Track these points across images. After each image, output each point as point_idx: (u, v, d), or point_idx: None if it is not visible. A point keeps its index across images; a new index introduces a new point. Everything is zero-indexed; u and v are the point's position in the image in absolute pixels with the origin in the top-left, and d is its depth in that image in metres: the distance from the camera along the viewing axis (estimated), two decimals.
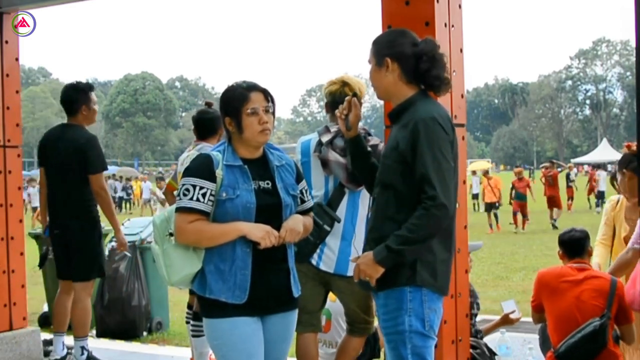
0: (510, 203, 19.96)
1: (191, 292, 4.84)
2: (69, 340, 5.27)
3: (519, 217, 18.88)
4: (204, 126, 4.85)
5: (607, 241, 4.61)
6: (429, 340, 2.82)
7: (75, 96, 5.10)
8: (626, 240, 4.52)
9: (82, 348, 5.08)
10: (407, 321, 2.76)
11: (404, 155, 2.73)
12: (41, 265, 5.58)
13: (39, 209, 6.66)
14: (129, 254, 5.06)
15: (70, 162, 4.93)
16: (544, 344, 4.31)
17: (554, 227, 18.30)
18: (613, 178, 4.60)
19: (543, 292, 4.05)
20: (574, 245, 4.08)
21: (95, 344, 5.94)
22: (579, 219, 19.37)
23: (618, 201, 4.67)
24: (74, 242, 5.00)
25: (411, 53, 2.84)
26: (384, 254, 2.73)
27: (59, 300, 5.18)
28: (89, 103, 5.10)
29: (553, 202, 19.71)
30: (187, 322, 4.94)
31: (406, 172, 2.74)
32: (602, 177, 23.97)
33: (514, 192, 19.53)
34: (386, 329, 2.83)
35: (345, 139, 3.10)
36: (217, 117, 4.84)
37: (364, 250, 2.93)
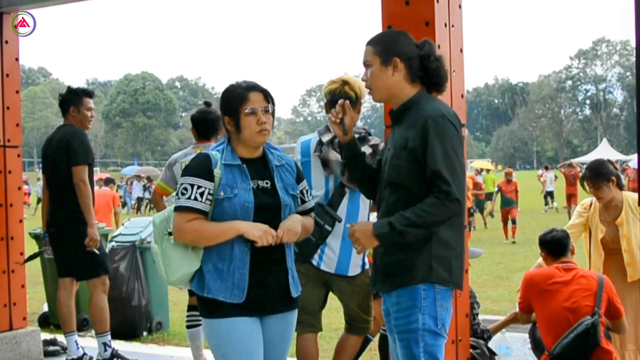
0: (488, 212, 19.35)
1: (191, 294, 4.87)
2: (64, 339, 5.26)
3: (509, 225, 16.47)
4: (208, 126, 4.84)
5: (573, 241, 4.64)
6: (441, 339, 2.81)
7: (66, 97, 5.16)
8: (603, 242, 4.54)
9: (105, 344, 5.09)
10: (421, 319, 2.75)
11: (414, 153, 2.73)
12: (26, 260, 5.55)
13: None
14: (97, 252, 5.08)
15: (58, 160, 4.97)
16: (537, 347, 4.31)
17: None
18: (583, 180, 4.64)
19: (532, 294, 4.06)
20: (558, 246, 4.11)
21: (95, 343, 5.94)
22: None
23: (591, 204, 4.67)
24: (69, 243, 5.03)
25: (416, 54, 2.86)
26: (384, 230, 2.73)
27: (60, 300, 5.17)
28: (78, 106, 5.13)
29: (572, 198, 21.02)
30: (188, 327, 4.95)
31: (418, 171, 2.73)
32: (549, 178, 26.53)
33: (500, 197, 17.34)
34: (398, 326, 2.82)
35: (341, 143, 3.06)
36: (218, 116, 4.85)
37: (376, 256, 2.92)
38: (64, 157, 4.94)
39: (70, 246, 5.02)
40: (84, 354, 5.18)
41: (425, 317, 2.75)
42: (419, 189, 2.73)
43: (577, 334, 3.80)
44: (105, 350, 5.08)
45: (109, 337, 5.13)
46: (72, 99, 5.13)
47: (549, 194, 26.44)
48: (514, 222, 16.48)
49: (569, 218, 20.44)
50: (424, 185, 2.72)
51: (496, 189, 18.48)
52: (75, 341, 5.17)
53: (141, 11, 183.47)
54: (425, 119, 2.73)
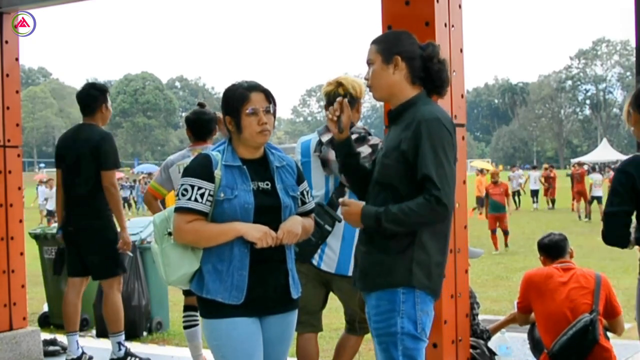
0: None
1: (187, 294, 4.87)
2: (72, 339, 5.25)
3: (499, 233, 14.42)
4: (202, 127, 4.83)
5: None
6: (421, 343, 2.80)
7: (96, 95, 5.14)
8: None
9: (119, 344, 5.10)
10: (399, 323, 2.74)
11: (406, 155, 2.72)
12: (58, 271, 5.47)
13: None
14: (130, 254, 5.13)
15: (85, 160, 4.95)
16: (536, 348, 4.33)
17: (580, 218, 21.12)
18: None
19: (532, 294, 4.08)
20: (556, 248, 4.16)
21: (95, 343, 5.94)
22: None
23: None
24: (89, 242, 5.00)
25: (419, 55, 2.85)
26: (371, 223, 2.75)
27: (67, 299, 5.16)
28: (107, 102, 5.16)
29: (580, 195, 21.93)
30: (185, 328, 4.95)
31: (407, 172, 2.72)
32: (534, 176, 27.65)
33: (488, 201, 15.18)
34: (377, 330, 2.82)
35: (336, 141, 3.06)
36: (212, 117, 4.84)
37: (358, 254, 2.92)
38: (90, 158, 4.93)
39: (91, 245, 5.01)
40: (83, 353, 5.19)
41: (405, 320, 2.74)
42: (406, 190, 2.73)
43: (576, 331, 3.83)
44: (120, 350, 5.09)
45: (123, 336, 5.14)
46: (102, 98, 5.13)
47: (534, 193, 27.32)
48: (505, 232, 14.45)
49: (579, 216, 20.95)
50: (412, 186, 2.71)
51: (484, 192, 16.67)
52: (77, 341, 5.17)
53: (141, 11, 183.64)
54: (419, 121, 2.72)
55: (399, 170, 2.75)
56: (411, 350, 2.76)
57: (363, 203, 2.84)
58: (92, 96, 5.13)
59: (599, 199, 21.51)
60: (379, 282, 2.78)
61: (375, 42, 2.91)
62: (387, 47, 2.85)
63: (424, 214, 2.67)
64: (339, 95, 3.68)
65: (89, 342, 5.63)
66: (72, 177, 5.06)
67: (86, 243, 5.01)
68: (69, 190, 5.09)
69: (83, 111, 5.16)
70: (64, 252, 5.23)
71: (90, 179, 4.94)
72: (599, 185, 22.00)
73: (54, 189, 20.69)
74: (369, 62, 2.90)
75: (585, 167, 25.51)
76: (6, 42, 5.41)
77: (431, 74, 2.85)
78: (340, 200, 2.87)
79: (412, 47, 2.86)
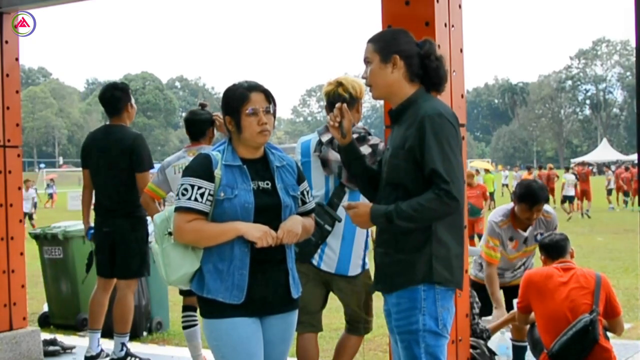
0: None
1: (185, 295, 4.86)
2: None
3: (475, 239, 12.60)
4: (194, 127, 4.81)
5: None
6: (442, 339, 2.80)
7: (120, 95, 5.13)
8: None
9: (122, 344, 5.11)
10: (421, 320, 2.75)
11: (413, 152, 2.72)
12: (88, 269, 5.41)
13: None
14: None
15: (119, 161, 4.96)
16: (535, 348, 4.33)
17: (588, 216, 21.45)
18: None
19: (532, 294, 4.09)
20: (556, 248, 4.18)
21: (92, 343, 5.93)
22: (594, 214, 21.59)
23: None
24: (122, 240, 5.01)
25: (416, 52, 2.85)
26: (381, 220, 2.75)
27: (95, 297, 5.18)
28: (131, 100, 5.17)
29: (585, 194, 22.60)
30: (184, 328, 4.95)
31: (416, 170, 2.73)
32: (519, 177, 28.38)
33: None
34: (399, 327, 2.82)
35: (341, 146, 3.06)
36: (207, 118, 4.82)
37: (376, 256, 2.92)
38: (123, 159, 4.94)
39: (127, 246, 5.01)
40: (102, 350, 5.22)
41: (426, 317, 2.75)
42: (417, 188, 2.73)
43: (576, 331, 3.83)
44: (121, 350, 5.10)
45: (127, 338, 5.15)
46: (126, 97, 5.13)
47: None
48: (480, 236, 12.29)
49: (581, 214, 21.26)
50: (423, 184, 2.71)
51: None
52: (98, 339, 5.19)
53: (141, 11, 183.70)
54: (422, 117, 2.72)
55: (408, 169, 2.75)
56: (433, 347, 2.76)
57: (370, 204, 2.84)
58: (116, 97, 5.11)
59: (570, 198, 22.16)
60: (399, 281, 2.78)
61: (372, 40, 2.91)
62: (384, 46, 2.85)
63: (435, 208, 2.67)
64: (339, 95, 3.69)
65: (88, 342, 5.62)
66: (104, 180, 5.05)
67: (120, 242, 5.01)
68: (102, 192, 5.08)
69: (109, 113, 5.15)
70: (92, 252, 5.24)
71: (123, 179, 4.96)
72: (572, 185, 22.44)
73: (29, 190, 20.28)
74: (366, 61, 2.89)
75: (590, 167, 25.84)
76: (6, 42, 5.40)
77: (429, 71, 2.85)
78: (345, 204, 2.87)
79: (409, 45, 2.86)
